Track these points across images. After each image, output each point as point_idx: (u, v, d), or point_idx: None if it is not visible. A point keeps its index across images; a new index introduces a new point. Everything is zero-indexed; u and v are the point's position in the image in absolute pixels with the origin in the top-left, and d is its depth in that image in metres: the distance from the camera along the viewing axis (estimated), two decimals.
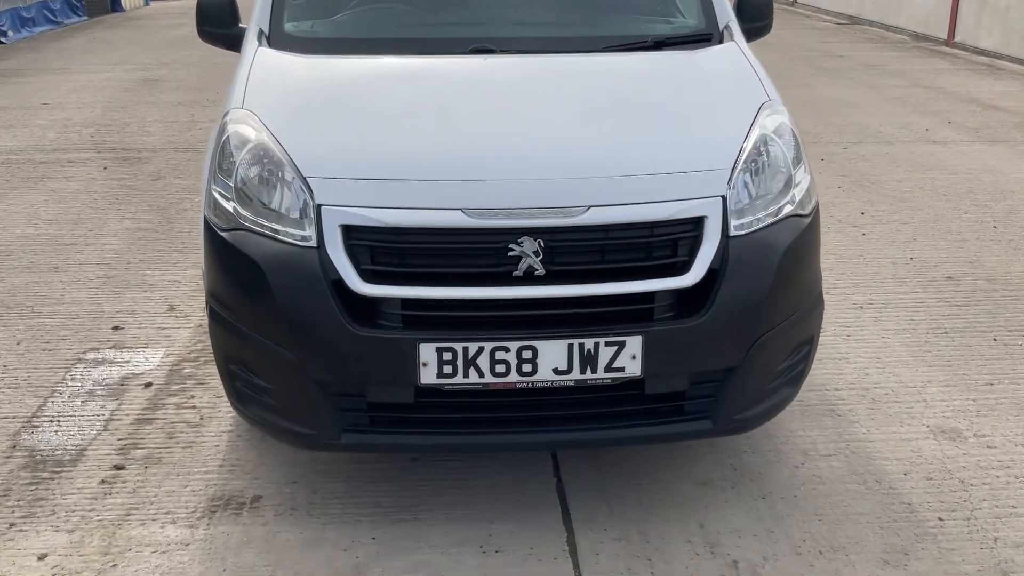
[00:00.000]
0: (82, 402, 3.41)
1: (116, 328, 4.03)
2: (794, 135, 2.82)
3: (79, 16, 16.65)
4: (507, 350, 2.41)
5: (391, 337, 2.40)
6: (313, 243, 2.45)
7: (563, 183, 2.49)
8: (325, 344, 2.42)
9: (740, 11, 3.60)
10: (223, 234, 2.58)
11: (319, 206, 2.46)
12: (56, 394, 3.47)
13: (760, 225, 2.59)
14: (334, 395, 2.50)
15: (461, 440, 2.58)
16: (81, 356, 3.78)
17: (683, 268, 2.50)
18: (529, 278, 2.44)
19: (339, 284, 2.42)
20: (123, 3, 18.44)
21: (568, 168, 2.53)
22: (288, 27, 3.31)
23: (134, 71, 11.07)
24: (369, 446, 2.64)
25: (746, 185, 2.62)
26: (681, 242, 2.52)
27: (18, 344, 3.88)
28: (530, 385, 2.45)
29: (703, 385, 2.59)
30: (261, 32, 3.28)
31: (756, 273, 2.53)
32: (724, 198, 2.55)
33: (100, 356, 3.77)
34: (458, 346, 2.40)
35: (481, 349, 2.40)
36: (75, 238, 5.20)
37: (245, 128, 2.71)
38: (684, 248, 2.52)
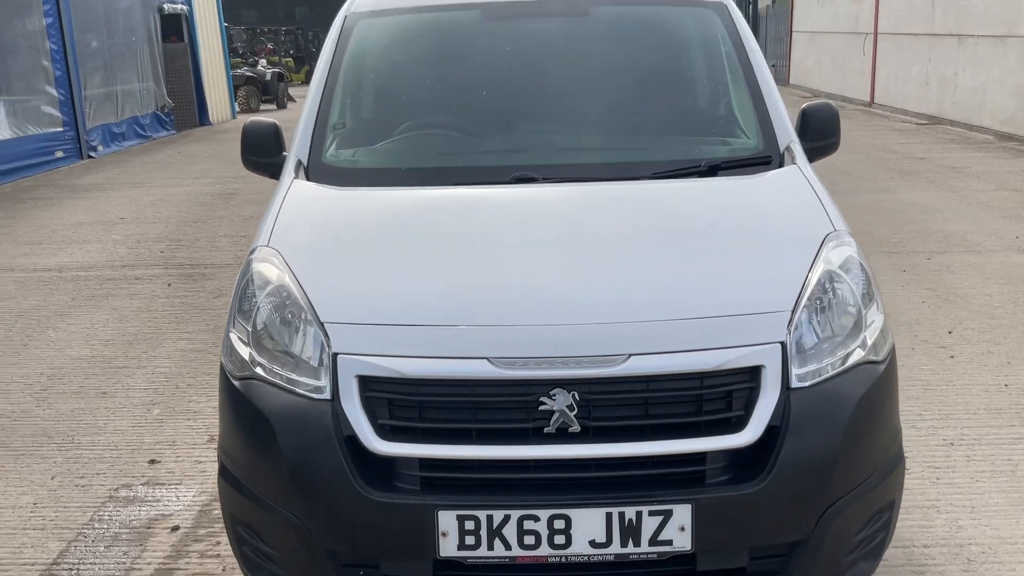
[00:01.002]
0: (105, 547, 3.23)
1: (152, 462, 3.88)
2: (864, 270, 2.54)
3: (167, 130, 17.36)
4: (537, 519, 2.14)
5: (407, 503, 2.16)
6: (327, 395, 2.25)
7: (600, 329, 2.25)
8: (335, 509, 2.19)
9: (804, 129, 3.37)
10: (236, 383, 2.40)
11: (335, 354, 2.27)
12: (81, 537, 3.31)
13: (827, 375, 2.30)
14: (346, 566, 2.25)
15: None
16: (113, 493, 3.62)
17: (738, 425, 2.22)
18: (563, 435, 2.19)
19: (353, 441, 2.20)
20: (210, 117, 19.18)
21: (606, 312, 2.29)
22: (328, 157, 3.20)
23: (212, 184, 11.35)
24: None
25: (809, 329, 2.34)
26: (736, 395, 2.24)
27: (52, 479, 3.76)
28: (564, 559, 2.17)
29: (766, 560, 2.26)
30: (299, 163, 3.17)
31: (823, 431, 2.23)
32: (783, 344, 2.27)
33: (132, 493, 3.62)
34: (482, 514, 2.14)
35: (507, 518, 2.14)
36: (128, 360, 5.14)
37: (268, 268, 2.56)
38: (739, 402, 2.24)
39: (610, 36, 3.57)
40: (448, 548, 2.16)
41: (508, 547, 2.15)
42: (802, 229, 2.63)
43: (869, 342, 2.41)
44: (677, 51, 3.57)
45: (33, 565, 3.14)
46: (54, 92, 13.15)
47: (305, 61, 33.98)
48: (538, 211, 2.78)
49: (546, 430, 2.19)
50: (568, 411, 2.18)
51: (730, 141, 3.28)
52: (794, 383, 2.26)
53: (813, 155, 3.45)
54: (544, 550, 2.16)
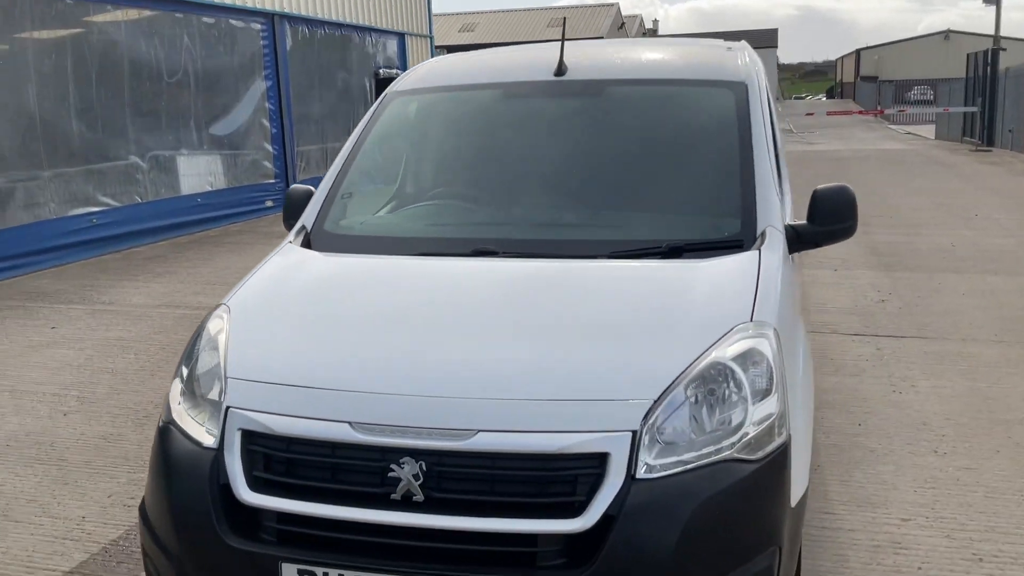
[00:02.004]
0: (117, 563, 3.61)
1: None
2: (769, 364, 2.45)
3: None
4: None
5: (256, 552, 2.33)
6: (215, 445, 2.48)
7: (453, 403, 2.34)
8: (201, 552, 2.40)
9: (813, 213, 3.28)
10: (160, 424, 2.68)
11: (227, 408, 2.50)
12: (103, 552, 3.71)
13: (679, 469, 2.25)
14: None
15: None
16: None
17: (579, 510, 2.22)
18: (408, 503, 2.29)
19: (227, 490, 2.41)
20: None
21: (462, 387, 2.37)
22: (328, 224, 3.47)
23: None
24: None
25: (674, 421, 2.30)
26: (580, 480, 2.25)
27: (108, 497, 4.22)
28: None
29: None
30: (303, 228, 3.48)
31: (657, 525, 2.19)
32: (635, 433, 2.25)
33: None
34: (319, 571, 2.27)
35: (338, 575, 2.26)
36: None
37: (216, 323, 2.84)
38: (583, 487, 2.24)
39: (615, 116, 3.64)
40: None
41: None
42: (713, 319, 2.57)
43: (747, 439, 2.33)
44: (678, 131, 3.58)
45: (53, 571, 3.57)
46: (269, 148, 14.56)
47: None
48: (466, 286, 2.89)
49: (392, 496, 2.29)
50: (413, 480, 2.28)
51: (708, 222, 3.24)
52: (640, 473, 2.23)
53: (824, 240, 3.35)
54: None
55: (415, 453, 2.30)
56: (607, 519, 2.19)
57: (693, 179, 3.42)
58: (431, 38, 20.69)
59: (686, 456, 2.28)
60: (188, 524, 2.42)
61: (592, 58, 3.91)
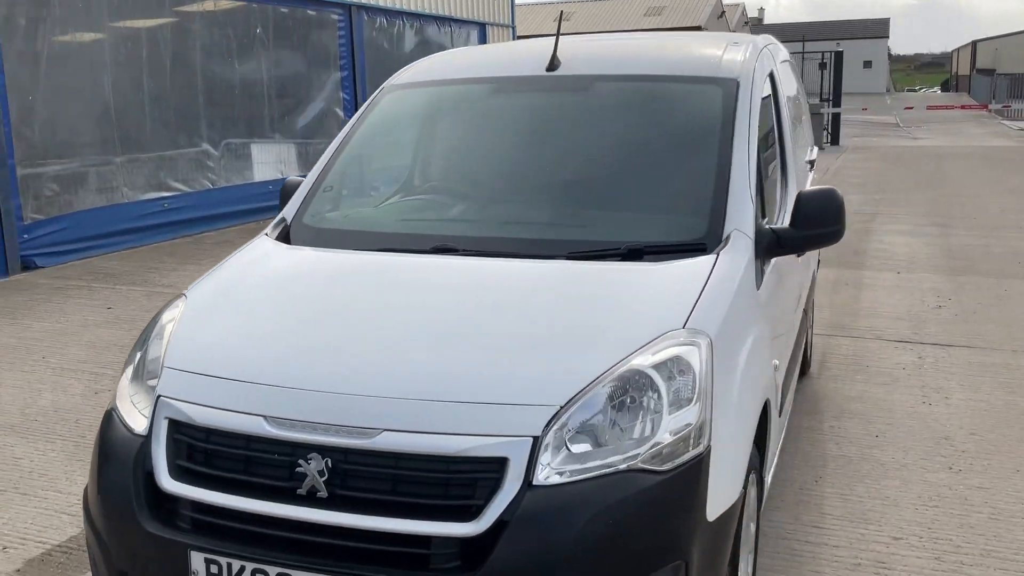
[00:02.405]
0: None
1: None
2: (694, 373, 2.38)
3: None
4: (266, 575, 2.27)
5: (169, 539, 2.38)
6: (145, 432, 2.54)
7: (360, 401, 2.34)
8: (122, 535, 2.47)
9: (796, 216, 3.16)
10: (107, 410, 2.76)
11: (158, 396, 2.56)
12: None
13: (580, 477, 2.21)
14: None
15: None
16: None
17: (475, 514, 2.20)
18: (313, 499, 2.30)
19: (150, 477, 2.47)
20: None
21: (372, 385, 2.37)
22: (307, 217, 3.51)
23: None
24: None
25: (580, 427, 2.25)
26: (481, 484, 2.22)
27: None
28: None
29: None
30: (282, 220, 3.53)
31: (548, 532, 2.15)
32: (536, 439, 2.22)
33: None
34: (223, 560, 2.31)
35: (243, 568, 2.29)
36: None
37: (170, 313, 2.91)
38: (482, 492, 2.22)
39: (599, 113, 3.58)
40: None
41: None
42: (643, 324, 2.50)
43: (657, 449, 2.26)
44: (660, 130, 3.49)
45: (44, 543, 3.73)
46: None
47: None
48: (411, 284, 2.89)
49: (298, 491, 2.31)
50: (319, 476, 2.29)
51: (673, 224, 3.15)
52: (539, 480, 2.20)
53: (806, 245, 3.25)
54: None
55: (323, 450, 2.31)
56: (501, 524, 2.16)
57: (666, 179, 3.32)
58: (513, 27, 20.67)
59: (590, 464, 2.23)
60: (113, 509, 2.49)
61: (588, 53, 3.85)
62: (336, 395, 2.37)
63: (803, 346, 4.78)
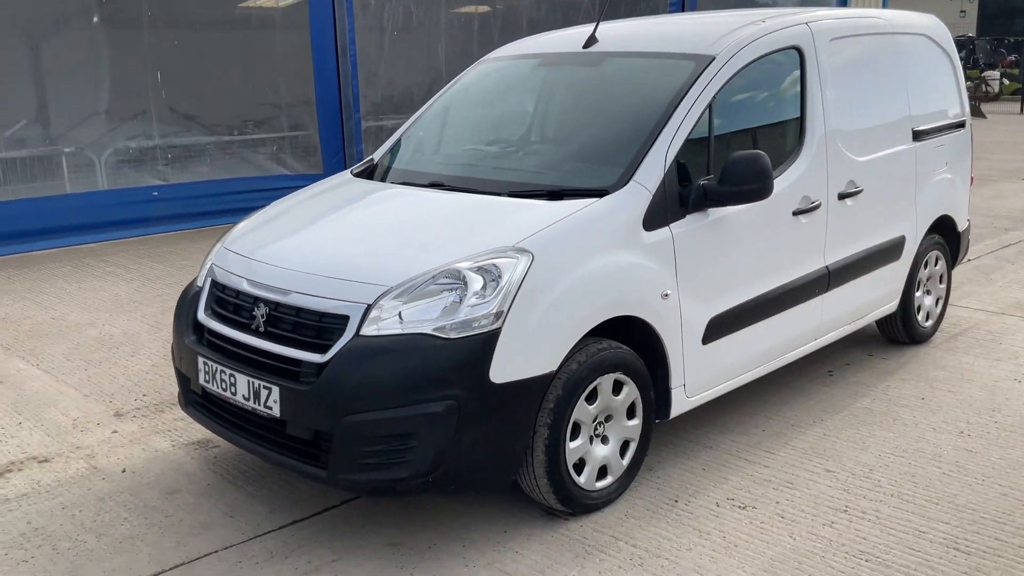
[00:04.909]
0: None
1: None
2: (506, 279, 3.25)
3: None
4: (225, 373, 3.60)
5: (193, 349, 3.79)
6: (200, 285, 4.00)
7: (287, 272, 3.57)
8: (179, 345, 3.94)
9: (722, 174, 3.78)
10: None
11: (211, 264, 3.99)
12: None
13: (389, 332, 3.24)
14: (181, 375, 3.98)
15: (210, 428, 3.77)
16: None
17: (326, 349, 3.33)
18: (257, 332, 3.58)
19: (195, 314, 3.92)
20: None
21: (296, 263, 3.59)
22: (380, 159, 4.75)
23: None
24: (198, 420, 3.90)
25: (397, 300, 3.28)
26: (336, 331, 3.35)
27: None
28: (233, 402, 3.57)
29: (324, 442, 3.32)
30: (371, 160, 4.82)
31: (355, 365, 3.22)
32: (368, 306, 3.29)
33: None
34: (209, 362, 3.68)
35: (215, 366, 3.64)
36: None
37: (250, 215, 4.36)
38: (336, 336, 3.34)
39: (597, 83, 4.40)
40: (201, 379, 3.74)
41: (220, 386, 3.61)
42: (487, 242, 3.42)
43: (454, 323, 3.20)
44: (631, 97, 4.20)
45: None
46: None
47: None
48: (384, 204, 4.04)
49: (252, 326, 3.60)
50: (261, 319, 3.57)
51: (596, 172, 3.88)
52: (364, 332, 3.27)
53: (729, 199, 3.84)
54: (227, 393, 3.58)
55: (266, 302, 3.57)
56: (337, 356, 3.28)
57: (613, 138, 4.03)
58: None
59: (397, 328, 3.25)
60: (177, 328, 3.98)
61: (623, 32, 4.61)
62: (278, 268, 3.63)
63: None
